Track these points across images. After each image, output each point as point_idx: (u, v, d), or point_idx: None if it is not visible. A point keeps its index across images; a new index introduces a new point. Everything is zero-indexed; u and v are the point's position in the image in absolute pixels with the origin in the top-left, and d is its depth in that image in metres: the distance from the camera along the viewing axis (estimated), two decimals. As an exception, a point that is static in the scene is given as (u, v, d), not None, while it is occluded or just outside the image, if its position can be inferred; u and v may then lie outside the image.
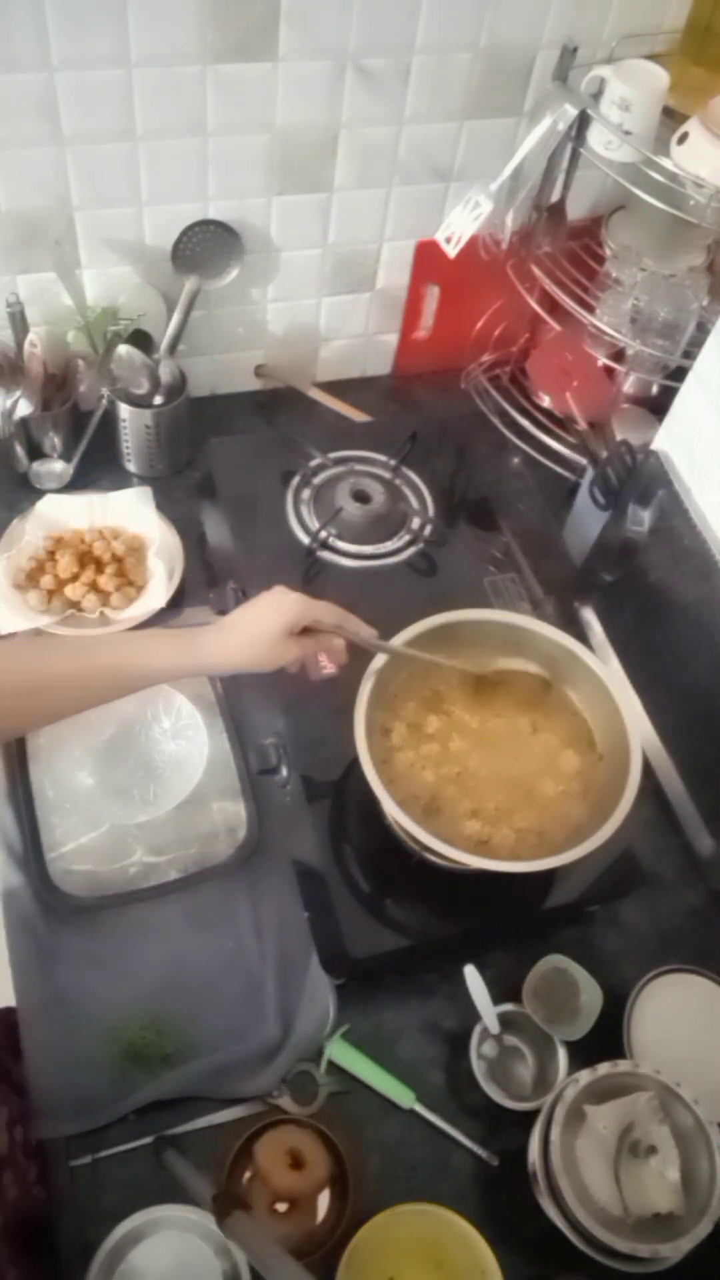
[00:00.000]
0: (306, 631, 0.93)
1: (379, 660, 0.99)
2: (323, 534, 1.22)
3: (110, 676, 0.88)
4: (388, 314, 1.49)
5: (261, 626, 0.90)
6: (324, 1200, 0.95)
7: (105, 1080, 0.97)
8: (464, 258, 1.28)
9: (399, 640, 1.00)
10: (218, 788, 1.15)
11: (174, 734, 1.19)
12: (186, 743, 1.18)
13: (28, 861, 1.07)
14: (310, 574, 1.21)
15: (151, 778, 1.15)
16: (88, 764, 1.15)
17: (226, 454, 1.30)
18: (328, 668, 0.99)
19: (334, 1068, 1.01)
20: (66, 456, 1.38)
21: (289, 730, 1.08)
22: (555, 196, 1.32)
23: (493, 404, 1.46)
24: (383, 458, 1.31)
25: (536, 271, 1.32)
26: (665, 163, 1.14)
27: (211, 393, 1.50)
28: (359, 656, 0.99)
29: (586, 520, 1.26)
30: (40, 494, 1.33)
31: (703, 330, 1.24)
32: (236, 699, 1.20)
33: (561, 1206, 0.89)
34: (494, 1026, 1.02)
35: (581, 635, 1.18)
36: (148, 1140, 0.97)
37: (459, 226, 1.27)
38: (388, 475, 1.30)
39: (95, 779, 1.14)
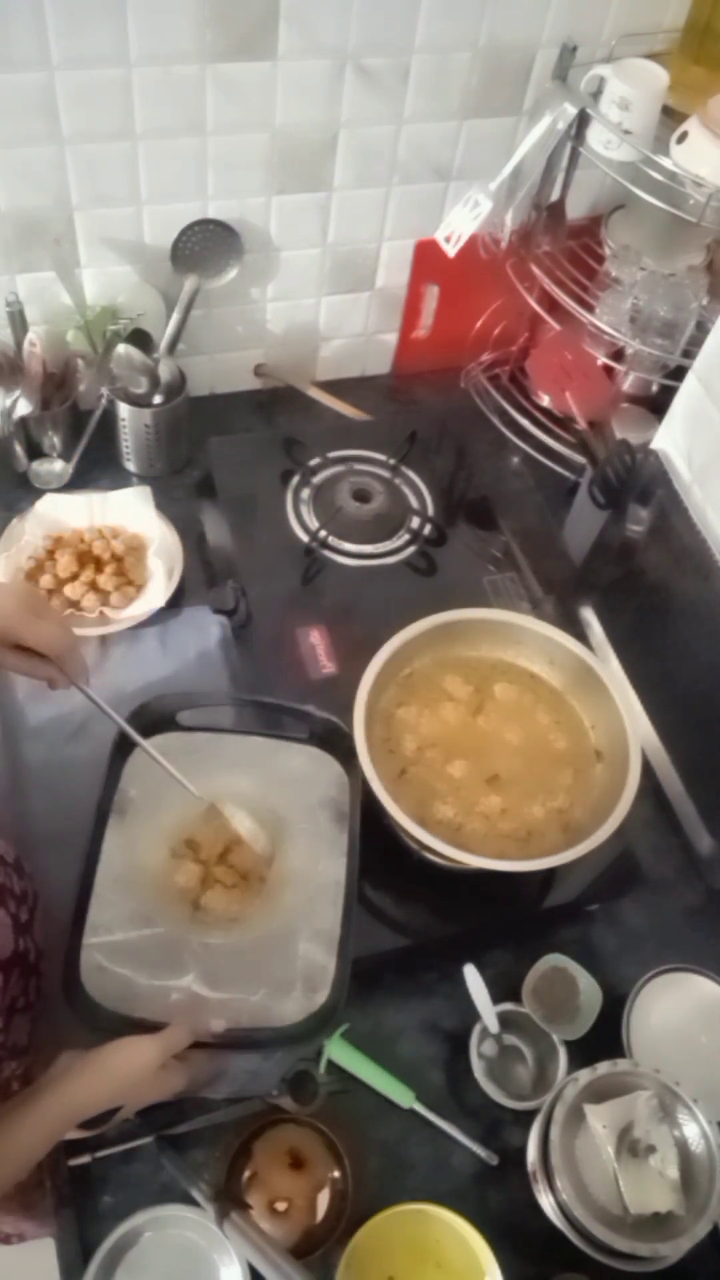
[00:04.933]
0: None
1: (379, 660, 0.99)
2: (322, 533, 1.22)
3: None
4: (387, 313, 1.49)
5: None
6: (324, 1200, 0.95)
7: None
8: (463, 257, 1.28)
9: (399, 640, 1.00)
10: (312, 926, 0.88)
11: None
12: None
13: (62, 936, 0.88)
14: (310, 573, 1.21)
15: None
16: (171, 843, 0.93)
17: (226, 453, 1.30)
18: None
19: (334, 1067, 1.01)
20: (66, 456, 1.37)
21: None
22: (555, 196, 1.32)
23: (492, 403, 1.46)
24: (382, 457, 1.31)
25: (536, 271, 1.32)
26: (665, 162, 1.14)
27: (211, 392, 1.50)
28: (359, 657, 0.99)
29: (586, 520, 1.26)
30: (40, 493, 1.33)
31: (702, 329, 1.24)
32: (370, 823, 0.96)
33: (561, 1206, 0.89)
34: (493, 1026, 1.02)
35: (581, 635, 1.18)
36: (148, 1140, 0.97)
37: (458, 226, 1.27)
38: (387, 475, 1.30)
39: (170, 866, 0.92)
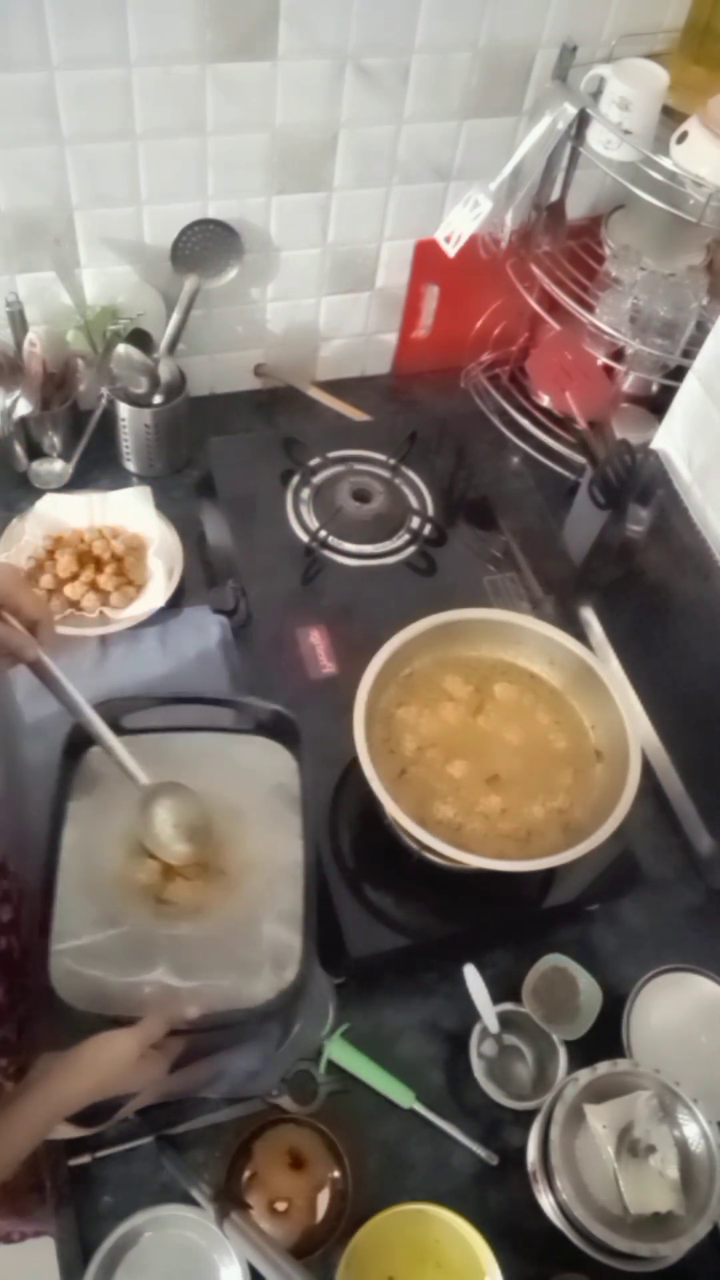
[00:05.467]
0: None
1: (379, 660, 0.99)
2: (322, 533, 1.22)
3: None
4: (387, 313, 1.49)
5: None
6: (323, 1200, 0.95)
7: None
8: (463, 257, 1.28)
9: (399, 640, 1.00)
10: (275, 908, 0.91)
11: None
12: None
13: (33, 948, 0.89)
14: (310, 573, 1.21)
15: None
16: (127, 844, 0.94)
17: (226, 453, 1.30)
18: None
19: (333, 1067, 1.01)
20: (66, 456, 1.37)
21: (288, 730, 1.08)
22: (555, 196, 1.32)
23: (492, 403, 1.46)
24: (382, 457, 1.31)
25: (536, 271, 1.32)
26: (665, 162, 1.14)
27: (211, 392, 1.50)
28: (359, 657, 0.99)
29: (586, 520, 1.26)
30: (40, 493, 1.33)
31: (702, 329, 1.24)
32: (322, 804, 0.99)
33: (561, 1206, 0.89)
34: (493, 1026, 1.02)
35: (581, 635, 1.18)
36: (148, 1140, 0.97)
37: (458, 226, 1.27)
38: (387, 475, 1.30)
39: (130, 865, 0.94)
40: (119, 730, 0.96)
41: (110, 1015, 0.84)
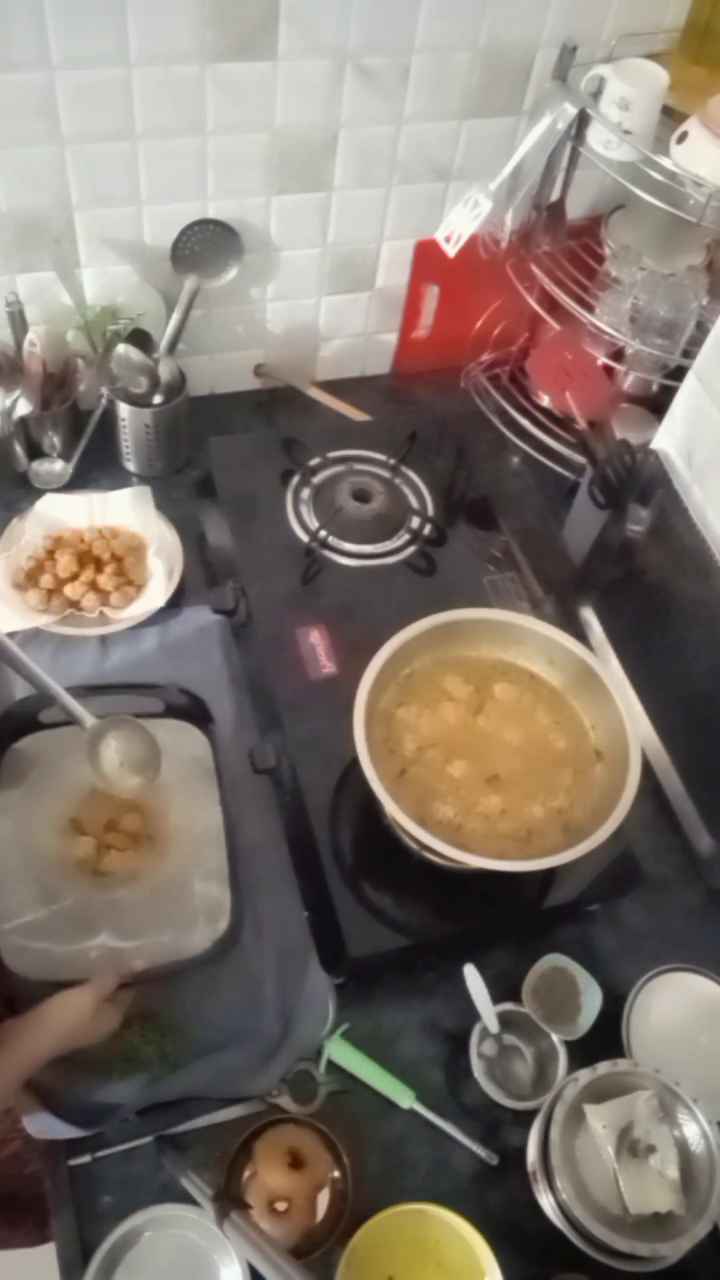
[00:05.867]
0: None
1: (379, 660, 0.99)
2: (322, 533, 1.22)
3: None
4: (387, 313, 1.49)
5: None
6: (323, 1199, 0.95)
7: (105, 1082, 0.97)
8: (463, 257, 1.28)
9: (399, 640, 1.00)
10: (203, 868, 1.01)
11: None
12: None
13: None
14: (309, 573, 1.21)
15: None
16: (60, 825, 1.04)
17: (226, 453, 1.30)
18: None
19: (333, 1067, 1.01)
20: (66, 456, 1.38)
21: (289, 730, 1.08)
22: (555, 196, 1.32)
23: (492, 403, 1.46)
24: (382, 457, 1.31)
25: (536, 271, 1.32)
26: (665, 162, 1.14)
27: (211, 392, 1.50)
28: (359, 657, 0.99)
29: (586, 520, 1.26)
30: (39, 493, 1.33)
31: (702, 329, 1.24)
32: (236, 770, 1.10)
33: (561, 1206, 0.89)
34: (493, 1026, 1.02)
35: (581, 635, 1.18)
36: (148, 1140, 0.97)
37: (458, 226, 1.27)
38: (387, 475, 1.30)
39: (65, 844, 1.03)
40: (39, 726, 1.07)
41: (61, 980, 0.92)
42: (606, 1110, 0.91)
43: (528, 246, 1.33)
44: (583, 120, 1.17)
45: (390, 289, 1.45)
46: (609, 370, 1.39)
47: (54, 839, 1.03)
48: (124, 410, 1.32)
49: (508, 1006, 1.03)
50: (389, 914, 1.03)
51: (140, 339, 1.30)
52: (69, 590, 1.24)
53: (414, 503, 1.28)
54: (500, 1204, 0.97)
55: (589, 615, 1.29)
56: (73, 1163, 0.95)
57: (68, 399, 1.33)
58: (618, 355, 1.37)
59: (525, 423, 1.44)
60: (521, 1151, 0.95)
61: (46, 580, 1.25)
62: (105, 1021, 0.92)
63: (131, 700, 1.11)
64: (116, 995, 0.93)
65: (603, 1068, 0.91)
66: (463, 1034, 1.02)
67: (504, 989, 1.05)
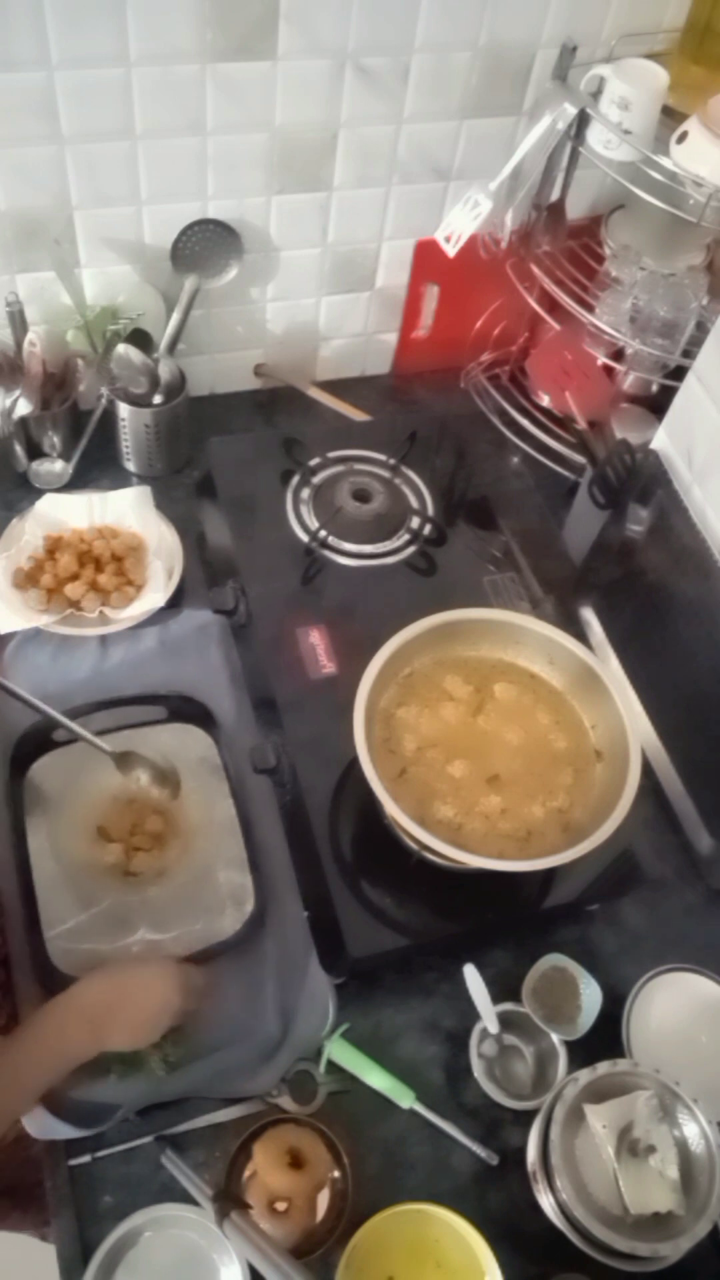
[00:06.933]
0: None
1: (379, 660, 0.99)
2: (322, 533, 1.22)
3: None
4: (387, 313, 1.49)
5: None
6: (323, 1199, 0.95)
7: (105, 1083, 0.97)
8: (463, 257, 1.28)
9: (399, 640, 1.00)
10: (224, 857, 1.08)
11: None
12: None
13: (27, 942, 1.01)
14: (309, 573, 1.21)
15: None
16: (88, 835, 1.10)
17: (226, 453, 1.30)
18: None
19: (333, 1067, 1.01)
20: (66, 456, 1.38)
21: (289, 730, 1.08)
22: (555, 195, 1.32)
23: (492, 403, 1.46)
24: (382, 457, 1.31)
25: (536, 271, 1.32)
26: (664, 162, 1.14)
27: (211, 392, 1.50)
28: (359, 657, 0.99)
29: (586, 520, 1.26)
30: (39, 493, 1.33)
31: (702, 329, 1.24)
32: (242, 766, 1.13)
33: (561, 1206, 0.89)
34: (493, 1026, 1.02)
35: (581, 635, 1.18)
36: (148, 1140, 0.97)
37: (458, 225, 1.27)
38: (387, 474, 1.30)
39: (96, 852, 1.09)
40: (53, 744, 1.12)
41: None
42: (606, 1110, 0.91)
43: (528, 246, 1.33)
44: (583, 120, 1.17)
45: (390, 289, 1.45)
46: (609, 370, 1.39)
47: (84, 848, 1.09)
48: (124, 410, 1.32)
49: (508, 1006, 1.03)
50: (389, 914, 1.03)
51: (140, 339, 1.30)
52: (69, 590, 1.24)
53: (414, 503, 1.29)
54: (500, 1204, 0.97)
55: (589, 615, 1.29)
56: (73, 1163, 0.95)
57: (68, 399, 1.33)
58: (618, 355, 1.37)
59: (525, 423, 1.44)
60: (521, 1151, 0.95)
61: (46, 580, 1.25)
62: (190, 1000, 0.94)
63: (137, 709, 1.17)
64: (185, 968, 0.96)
65: (602, 1068, 0.91)
66: (463, 1034, 1.02)
67: (504, 989, 1.05)
